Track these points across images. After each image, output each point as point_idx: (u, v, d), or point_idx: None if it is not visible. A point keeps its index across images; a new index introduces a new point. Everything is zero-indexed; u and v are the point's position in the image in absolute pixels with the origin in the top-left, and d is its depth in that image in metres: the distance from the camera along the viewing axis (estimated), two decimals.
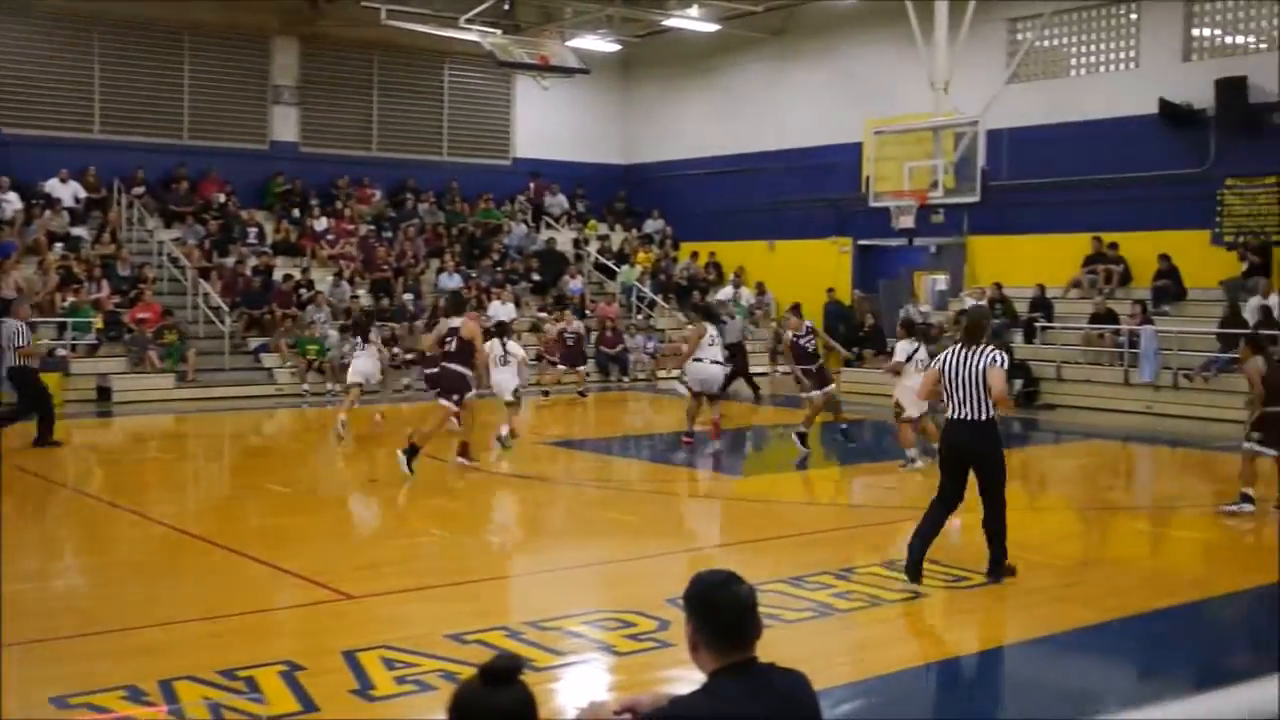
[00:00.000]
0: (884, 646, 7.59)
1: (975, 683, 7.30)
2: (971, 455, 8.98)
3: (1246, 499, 11.72)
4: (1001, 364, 8.88)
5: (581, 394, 23.43)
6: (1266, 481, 11.88)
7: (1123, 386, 20.45)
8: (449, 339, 13.96)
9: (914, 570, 8.93)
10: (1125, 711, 1.59)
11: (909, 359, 14.32)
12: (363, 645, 7.22)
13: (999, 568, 9.05)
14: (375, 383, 18.63)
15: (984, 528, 9.10)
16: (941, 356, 9.30)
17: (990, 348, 8.98)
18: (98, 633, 7.61)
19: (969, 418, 8.86)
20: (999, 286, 24.01)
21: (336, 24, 28.85)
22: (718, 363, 16.49)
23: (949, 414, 9.06)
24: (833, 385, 16.64)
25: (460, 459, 14.42)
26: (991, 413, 8.88)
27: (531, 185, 31.97)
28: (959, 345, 9.13)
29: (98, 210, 25.79)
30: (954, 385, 8.92)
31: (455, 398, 13.96)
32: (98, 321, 22.45)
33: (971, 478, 8.98)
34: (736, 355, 22.38)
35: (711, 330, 16.47)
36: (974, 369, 8.83)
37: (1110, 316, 22.06)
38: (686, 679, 4.29)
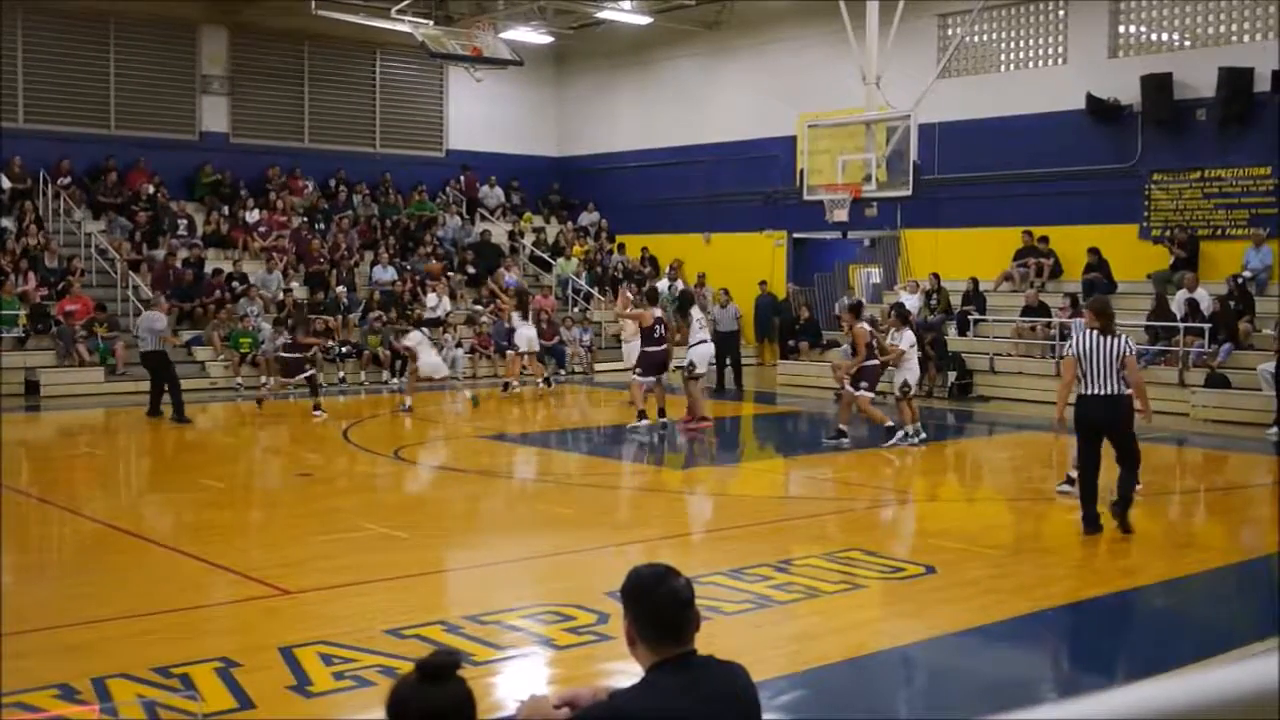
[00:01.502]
0: (822, 638, 7.63)
1: (912, 673, 7.36)
2: (1106, 426, 10.04)
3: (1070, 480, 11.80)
4: (1133, 350, 10.10)
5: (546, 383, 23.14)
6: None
7: (1054, 379, 20.61)
8: (657, 325, 16.57)
9: (1092, 523, 10.14)
10: (1059, 701, 1.61)
11: (910, 346, 16.06)
12: (300, 641, 7.17)
13: (1124, 520, 10.12)
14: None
15: (1118, 486, 10.19)
16: (1075, 341, 10.19)
17: (1125, 334, 10.17)
18: (28, 631, 7.48)
19: (1104, 393, 9.89)
20: (937, 278, 24.21)
21: (265, 13, 28.57)
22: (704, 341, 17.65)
23: (1082, 390, 10.03)
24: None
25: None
26: (1124, 389, 9.93)
27: (462, 177, 31.81)
28: (1091, 330, 10.07)
29: (23, 201, 25.33)
30: (1090, 365, 9.91)
31: (662, 373, 16.70)
32: (22, 316, 22.08)
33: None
34: (731, 343, 23.87)
35: (698, 315, 17.71)
36: (1111, 352, 9.86)
37: (1042, 309, 22.35)
38: (626, 673, 4.31)
